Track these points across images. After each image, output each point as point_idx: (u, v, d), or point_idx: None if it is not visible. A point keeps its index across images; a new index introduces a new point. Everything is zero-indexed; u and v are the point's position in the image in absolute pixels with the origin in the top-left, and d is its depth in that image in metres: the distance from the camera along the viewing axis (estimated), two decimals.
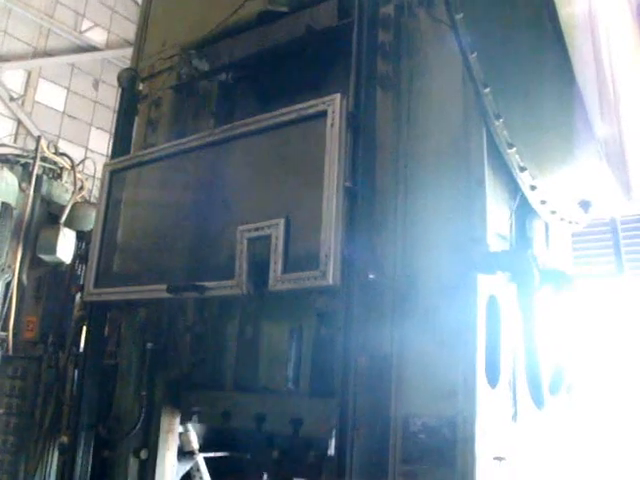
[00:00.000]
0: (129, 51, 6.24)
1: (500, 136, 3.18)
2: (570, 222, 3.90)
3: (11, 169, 9.64)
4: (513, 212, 3.45)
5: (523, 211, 3.56)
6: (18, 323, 8.18)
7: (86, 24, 20.70)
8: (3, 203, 9.23)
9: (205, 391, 4.09)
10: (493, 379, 2.99)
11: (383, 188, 3.22)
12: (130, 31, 18.88)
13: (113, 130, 4.74)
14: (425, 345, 2.95)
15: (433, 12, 3.39)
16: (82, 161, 11.29)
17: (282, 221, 3.18)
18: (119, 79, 4.69)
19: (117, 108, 4.85)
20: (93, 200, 10.93)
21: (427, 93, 3.31)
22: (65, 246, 9.00)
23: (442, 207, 3.10)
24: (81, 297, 4.33)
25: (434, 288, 3.01)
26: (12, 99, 18.62)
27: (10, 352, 8.01)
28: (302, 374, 3.63)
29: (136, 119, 4.73)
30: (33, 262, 9.24)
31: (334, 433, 3.05)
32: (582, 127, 3.33)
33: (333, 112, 3.14)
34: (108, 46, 21.06)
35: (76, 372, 4.58)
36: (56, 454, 4.67)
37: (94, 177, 12.86)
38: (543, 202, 3.55)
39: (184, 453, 4.39)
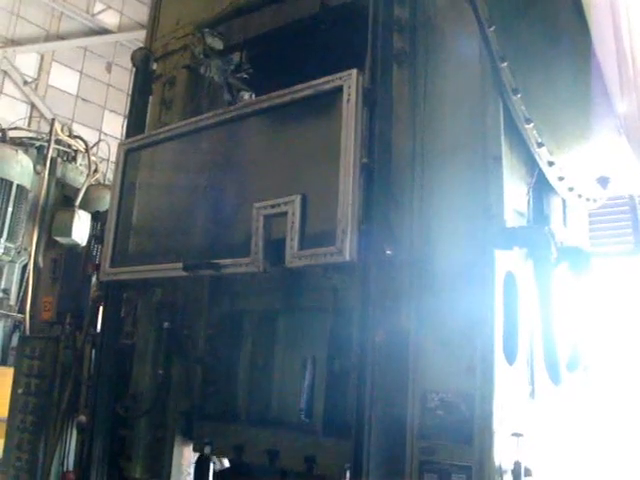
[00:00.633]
0: (142, 34, 6.23)
1: (518, 111, 3.14)
2: (588, 199, 3.86)
3: (26, 152, 9.72)
4: (530, 188, 3.42)
5: (540, 188, 3.53)
6: (35, 304, 8.27)
7: (98, 7, 20.71)
8: (18, 186, 9.31)
9: (217, 423, 4.04)
10: (511, 356, 2.97)
11: (399, 164, 3.20)
12: (142, 13, 18.87)
13: (127, 110, 4.74)
14: (442, 321, 2.94)
15: None
16: (96, 143, 11.36)
17: (298, 198, 3.16)
18: (133, 59, 4.68)
19: (131, 89, 4.84)
20: (107, 183, 10.97)
21: (444, 68, 3.27)
22: (80, 228, 9.09)
23: (459, 183, 3.07)
24: (97, 277, 4.35)
25: (451, 264, 2.99)
26: (26, 83, 18.70)
27: (27, 332, 8.12)
28: (316, 407, 3.57)
29: (150, 99, 4.72)
30: (49, 244, 9.34)
31: (348, 474, 3.03)
32: (601, 102, 3.30)
33: (349, 88, 3.11)
34: (121, 29, 21.06)
35: (93, 352, 4.60)
36: (75, 433, 4.71)
37: (108, 160, 12.94)
38: (561, 178, 3.51)
39: None
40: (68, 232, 9.18)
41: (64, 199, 9.89)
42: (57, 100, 19.17)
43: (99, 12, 20.68)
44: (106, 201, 8.35)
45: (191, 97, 4.53)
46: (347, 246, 2.93)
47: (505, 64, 3.06)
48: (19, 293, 9.49)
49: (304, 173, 3.32)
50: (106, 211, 4.39)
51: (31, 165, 9.60)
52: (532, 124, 3.19)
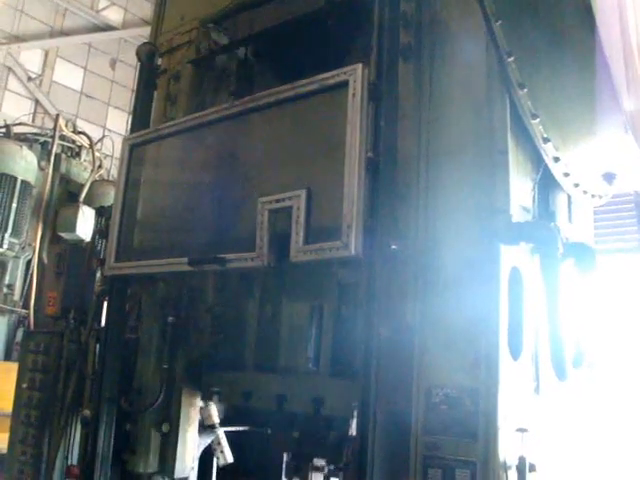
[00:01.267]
0: (146, 30, 6.22)
1: (524, 106, 3.13)
2: (593, 195, 3.85)
3: (30, 148, 9.73)
4: (536, 184, 3.41)
5: (546, 184, 3.52)
6: (40, 299, 8.28)
7: (102, 3, 20.70)
8: (22, 181, 9.32)
9: (225, 372, 4.09)
10: (516, 351, 2.97)
11: (405, 159, 3.20)
12: (147, 10, 18.87)
13: (131, 106, 4.73)
14: (447, 316, 2.94)
15: None
16: (100, 139, 11.36)
17: (303, 192, 3.16)
18: (138, 54, 4.68)
19: (135, 84, 4.84)
20: (111, 179, 10.99)
21: (450, 63, 3.26)
22: (84, 224, 9.10)
23: (464, 177, 3.07)
24: (102, 271, 4.35)
25: (456, 259, 2.99)
26: (30, 79, 18.71)
27: (32, 328, 8.14)
28: (323, 353, 3.61)
29: (155, 94, 4.72)
30: (53, 240, 9.35)
31: (355, 412, 3.05)
32: (607, 98, 3.28)
33: (355, 82, 3.11)
34: (125, 25, 21.05)
35: (98, 346, 4.61)
36: (79, 427, 4.71)
37: (112, 156, 12.96)
38: (566, 174, 3.50)
39: (205, 427, 4.41)
40: (72, 228, 9.19)
41: (68, 195, 9.90)
42: (61, 96, 19.18)
43: (103, 8, 20.68)
44: (110, 197, 8.37)
45: (196, 92, 4.53)
46: (352, 241, 2.93)
47: (511, 59, 3.05)
48: (23, 288, 9.51)
49: (309, 168, 3.32)
50: (111, 206, 4.39)
51: (35, 161, 9.60)
52: (538, 119, 3.18)
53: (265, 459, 4.51)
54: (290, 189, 3.25)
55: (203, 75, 4.55)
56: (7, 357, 9.15)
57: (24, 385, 5.07)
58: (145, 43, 4.80)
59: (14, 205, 9.16)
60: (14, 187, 9.17)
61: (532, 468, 2.82)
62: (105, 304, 4.52)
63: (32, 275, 9.16)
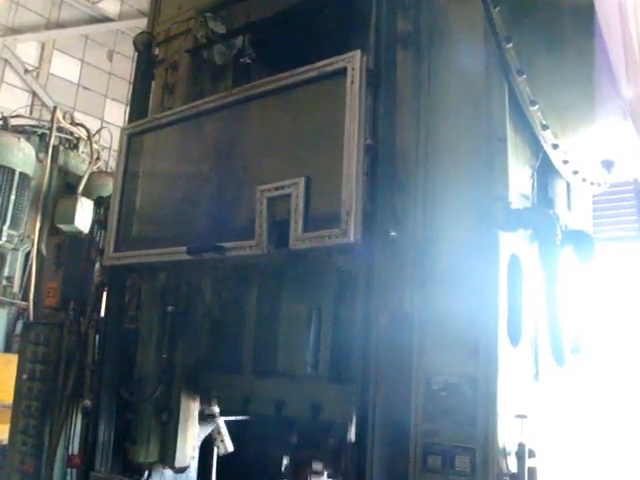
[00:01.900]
0: (143, 22, 6.20)
1: (522, 93, 3.13)
2: (592, 183, 3.85)
3: (28, 140, 9.68)
4: (535, 171, 3.41)
5: (545, 171, 3.52)
6: (39, 290, 8.27)
7: None
8: (21, 173, 9.28)
9: (224, 375, 4.08)
10: (515, 338, 2.98)
11: (404, 145, 3.19)
12: (143, 1, 18.79)
13: (129, 97, 4.72)
14: (447, 303, 2.94)
15: None
16: (98, 131, 11.33)
17: (302, 180, 3.16)
18: (135, 43, 4.66)
19: (133, 75, 4.82)
20: (109, 171, 10.96)
21: (448, 50, 3.25)
22: (83, 216, 9.07)
23: (463, 164, 3.07)
24: (101, 262, 4.35)
25: (455, 245, 2.99)
26: (27, 71, 18.62)
27: (31, 319, 8.14)
28: (322, 357, 3.61)
29: (152, 84, 4.70)
30: (51, 232, 9.33)
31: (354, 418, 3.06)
32: (606, 85, 3.28)
33: (353, 69, 3.10)
34: (122, 17, 20.93)
35: (97, 337, 4.61)
36: (80, 417, 4.73)
37: (110, 148, 12.92)
38: (565, 162, 3.50)
39: (205, 416, 4.42)
40: (71, 219, 9.17)
41: (66, 187, 9.86)
42: (58, 88, 19.09)
43: (100, 0, 20.57)
44: (108, 188, 8.33)
45: (194, 81, 4.51)
46: (351, 228, 2.93)
47: (510, 45, 3.05)
48: (22, 281, 9.49)
49: (308, 155, 3.31)
50: (109, 196, 4.39)
51: (33, 153, 9.57)
52: (537, 106, 3.18)
53: (265, 450, 4.52)
54: (289, 177, 3.24)
55: (201, 64, 4.53)
56: (7, 349, 9.14)
57: (24, 376, 5.09)
58: (142, 32, 4.78)
59: (12, 197, 9.12)
60: (12, 179, 9.13)
61: (531, 454, 2.82)
62: (104, 294, 4.53)
63: (31, 267, 9.14)
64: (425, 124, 3.21)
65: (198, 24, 4.51)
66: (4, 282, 9.29)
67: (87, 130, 10.47)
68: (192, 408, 4.30)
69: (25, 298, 9.17)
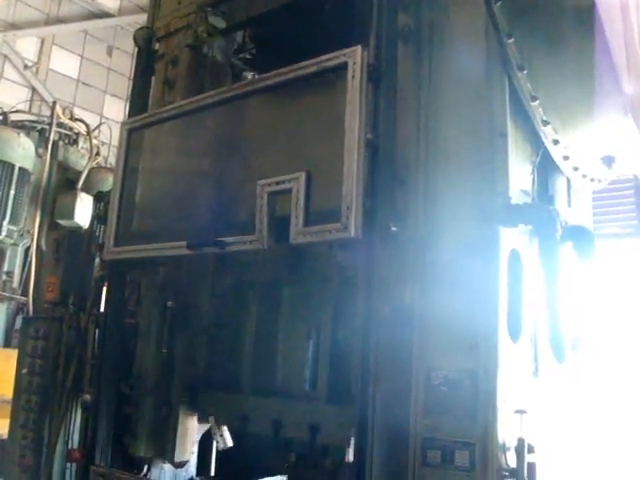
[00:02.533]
0: (143, 17, 6.18)
1: (523, 88, 3.13)
2: (592, 179, 3.85)
3: (27, 135, 9.69)
4: (535, 167, 3.41)
5: (545, 167, 3.52)
6: (39, 285, 8.27)
7: None
8: (20, 168, 9.28)
9: (222, 394, 4.06)
10: (515, 333, 2.98)
11: (404, 140, 3.19)
12: None
13: (129, 93, 4.71)
14: (447, 298, 2.94)
15: None
16: (98, 126, 11.32)
17: (303, 174, 3.15)
18: (135, 38, 4.65)
19: (133, 69, 4.81)
20: (109, 166, 10.95)
21: (449, 45, 3.24)
22: (82, 211, 9.08)
23: (464, 159, 3.06)
24: (100, 256, 4.35)
25: (456, 241, 2.99)
26: (26, 67, 18.58)
27: (31, 314, 8.14)
28: (320, 375, 3.60)
29: (152, 79, 4.70)
30: (51, 227, 9.33)
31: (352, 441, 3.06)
32: (607, 81, 3.28)
33: (354, 64, 3.09)
34: (121, 12, 20.87)
35: (97, 332, 4.61)
36: (79, 412, 4.73)
37: (110, 144, 12.90)
38: (566, 157, 3.50)
39: None
40: (70, 215, 9.18)
41: (66, 182, 9.87)
42: (58, 84, 19.04)
43: None
44: (108, 184, 8.33)
45: (194, 76, 4.50)
46: (352, 222, 2.93)
47: (511, 40, 3.04)
48: (22, 276, 9.50)
49: (309, 150, 3.31)
50: (109, 191, 4.38)
51: (33, 148, 9.56)
52: (537, 102, 3.17)
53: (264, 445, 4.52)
54: (289, 171, 3.24)
55: (201, 59, 4.52)
56: (6, 344, 9.15)
57: (24, 371, 5.08)
58: (142, 27, 4.77)
59: (12, 192, 9.13)
60: (12, 174, 9.13)
61: (531, 449, 2.82)
62: (104, 289, 4.53)
63: (31, 262, 9.15)
64: (426, 119, 3.20)
65: (198, 19, 4.50)
66: (4, 277, 9.31)
67: (87, 125, 10.47)
68: None
69: (25, 293, 9.18)
